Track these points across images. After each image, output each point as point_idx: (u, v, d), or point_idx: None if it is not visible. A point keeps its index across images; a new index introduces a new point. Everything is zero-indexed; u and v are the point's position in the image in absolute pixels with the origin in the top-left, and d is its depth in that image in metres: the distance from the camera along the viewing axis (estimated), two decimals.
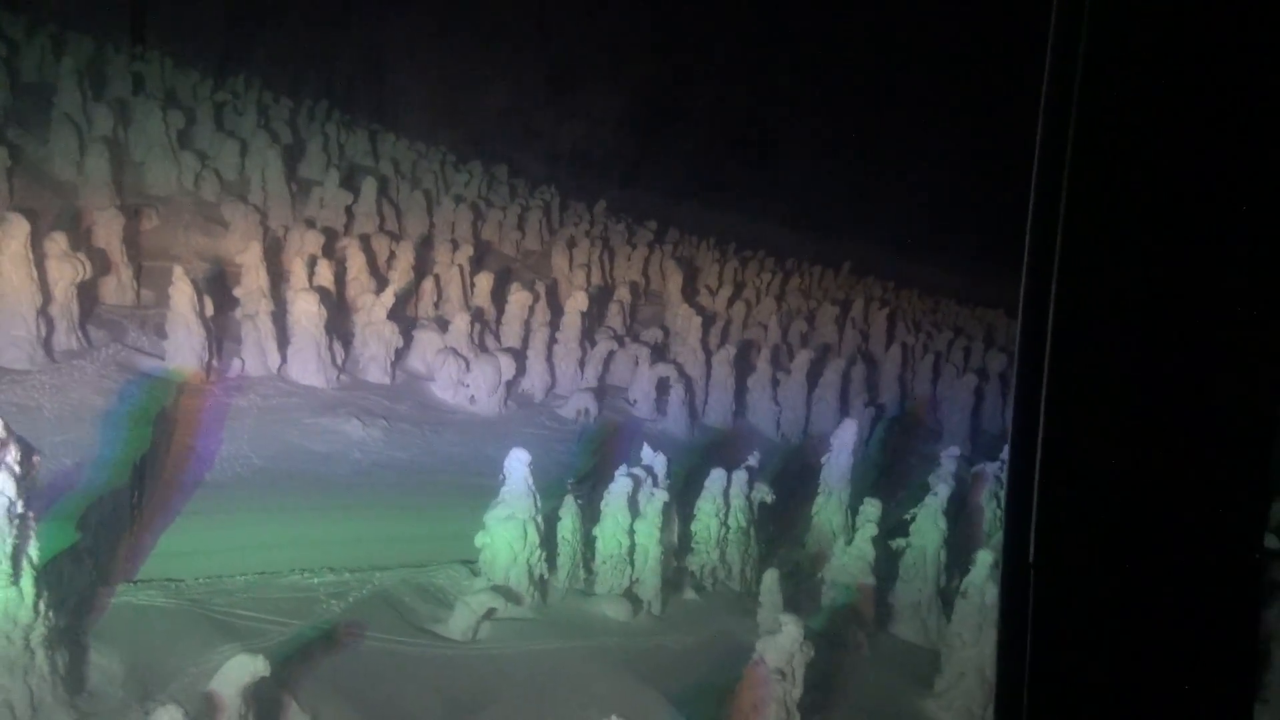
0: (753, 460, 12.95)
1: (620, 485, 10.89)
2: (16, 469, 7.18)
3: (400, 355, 18.42)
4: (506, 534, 10.44)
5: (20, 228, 13.96)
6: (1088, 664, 2.59)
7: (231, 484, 13.03)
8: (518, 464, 10.41)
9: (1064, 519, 2.59)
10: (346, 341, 18.09)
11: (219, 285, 19.28)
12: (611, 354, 21.02)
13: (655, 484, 11.29)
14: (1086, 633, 2.60)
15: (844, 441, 13.31)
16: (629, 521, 10.93)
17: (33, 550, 7.41)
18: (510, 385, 18.52)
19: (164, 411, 14.12)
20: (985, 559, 9.79)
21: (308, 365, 16.62)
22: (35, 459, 7.43)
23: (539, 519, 10.67)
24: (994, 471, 13.95)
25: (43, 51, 26.72)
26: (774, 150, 43.59)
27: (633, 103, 40.12)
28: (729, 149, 43.28)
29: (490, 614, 10.09)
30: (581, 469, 17.03)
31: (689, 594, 11.74)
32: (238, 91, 29.05)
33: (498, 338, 20.32)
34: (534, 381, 19.34)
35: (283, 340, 16.83)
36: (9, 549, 7.16)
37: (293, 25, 37.91)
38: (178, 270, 15.49)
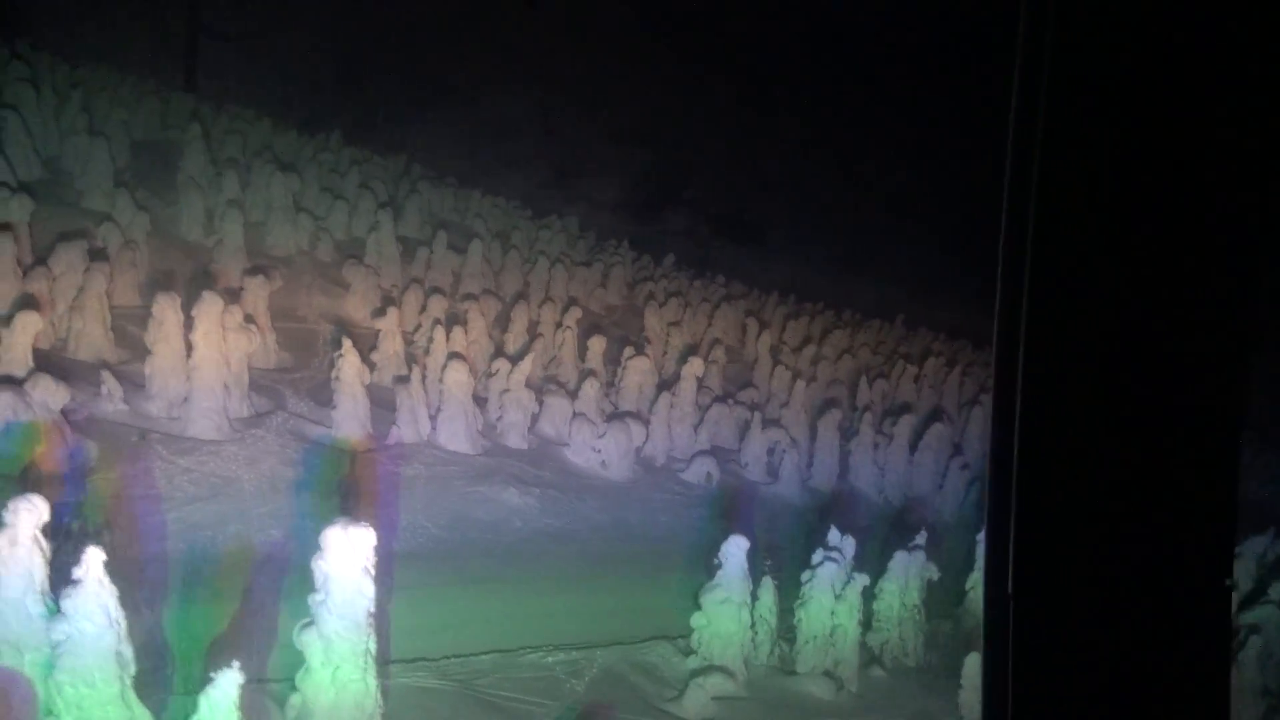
0: (920, 540, 13.57)
1: (827, 569, 11.53)
2: (373, 571, 7.84)
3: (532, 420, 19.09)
4: (723, 616, 11.05)
5: (214, 305, 14.70)
6: (1070, 690, 2.65)
7: (421, 555, 13.64)
8: (736, 550, 11.06)
9: (1042, 547, 2.63)
10: (480, 405, 18.75)
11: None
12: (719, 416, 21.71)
13: (850, 566, 11.93)
14: (1067, 659, 2.65)
15: None
16: (832, 603, 11.55)
17: (372, 644, 8.05)
18: (637, 450, 19.18)
19: (345, 481, 14.78)
20: None
21: (457, 432, 17.28)
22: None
23: (750, 601, 11.29)
24: None
25: (150, 111, 27.70)
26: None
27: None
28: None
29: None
30: (711, 534, 17.68)
31: (876, 671, 12.32)
32: (333, 149, 30.04)
33: (613, 402, 21.02)
34: (655, 445, 19.99)
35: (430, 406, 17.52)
36: (364, 646, 7.81)
37: (369, 82, 39.16)
38: (347, 343, 16.20)
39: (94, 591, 6.35)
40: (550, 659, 10.92)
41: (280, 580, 11.96)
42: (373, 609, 7.88)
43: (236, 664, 6.30)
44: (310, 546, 13.20)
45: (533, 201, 35.82)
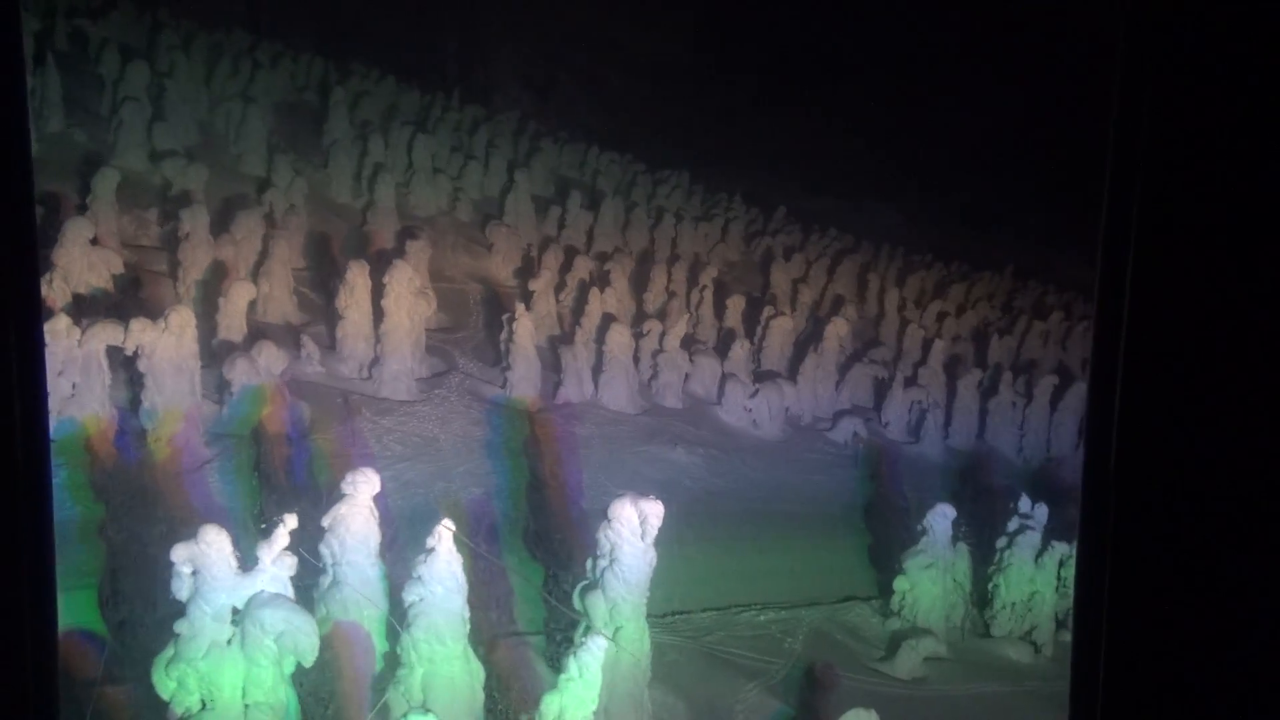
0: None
1: (1027, 538, 11.76)
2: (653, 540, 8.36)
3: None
4: (927, 580, 11.40)
5: (404, 272, 15.34)
6: (1169, 574, 2.52)
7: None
8: (941, 519, 11.36)
9: (1147, 430, 2.49)
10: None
11: (494, 307, 20.66)
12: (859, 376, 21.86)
13: (1044, 533, 12.12)
14: (1169, 543, 2.50)
15: None
16: (1032, 570, 11.79)
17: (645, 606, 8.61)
18: (786, 409, 19.50)
19: (528, 441, 15.45)
20: None
21: (619, 393, 17.80)
22: None
23: (953, 566, 11.60)
24: None
25: (284, 74, 28.36)
26: None
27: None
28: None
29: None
30: (865, 494, 18.06)
31: (1065, 636, 12.56)
32: (454, 108, 30.48)
33: (756, 360, 21.33)
34: (801, 405, 20.28)
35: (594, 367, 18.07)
36: (643, 609, 8.36)
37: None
38: (519, 307, 16.78)
39: (445, 559, 6.97)
40: (762, 617, 11.44)
41: (495, 538, 12.72)
42: (651, 575, 8.40)
43: (604, 631, 6.86)
44: (507, 504, 13.96)
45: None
